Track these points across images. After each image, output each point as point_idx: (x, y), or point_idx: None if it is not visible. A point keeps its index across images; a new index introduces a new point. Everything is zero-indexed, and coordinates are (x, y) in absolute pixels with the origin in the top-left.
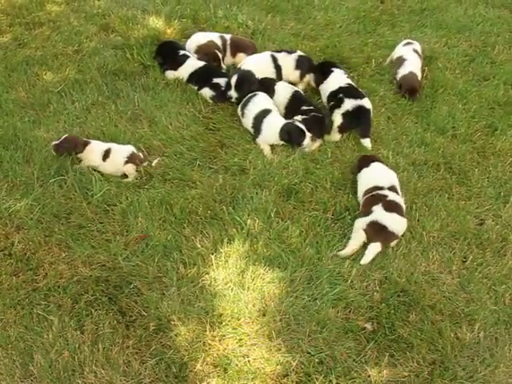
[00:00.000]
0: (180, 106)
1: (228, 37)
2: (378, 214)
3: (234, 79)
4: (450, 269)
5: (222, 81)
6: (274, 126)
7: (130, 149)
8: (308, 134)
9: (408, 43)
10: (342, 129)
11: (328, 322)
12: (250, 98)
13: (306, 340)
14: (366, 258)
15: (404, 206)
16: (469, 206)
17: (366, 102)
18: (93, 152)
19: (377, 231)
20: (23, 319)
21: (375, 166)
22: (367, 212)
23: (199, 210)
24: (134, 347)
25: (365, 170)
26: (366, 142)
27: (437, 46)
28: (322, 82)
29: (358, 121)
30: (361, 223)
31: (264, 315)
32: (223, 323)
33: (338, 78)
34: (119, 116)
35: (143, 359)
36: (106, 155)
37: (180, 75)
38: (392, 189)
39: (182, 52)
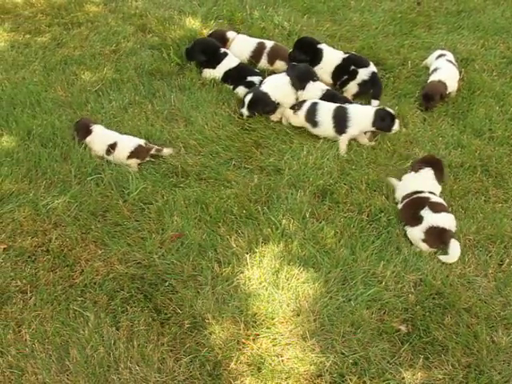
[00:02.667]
0: (216, 106)
1: (269, 44)
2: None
3: (248, 97)
4: (486, 272)
5: (256, 79)
6: (365, 114)
7: (136, 142)
8: (397, 120)
9: (441, 55)
10: (356, 96)
11: (362, 323)
12: (313, 107)
13: (339, 341)
14: None
15: None
16: (505, 208)
17: (373, 67)
18: (95, 144)
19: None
20: (60, 315)
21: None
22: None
23: (234, 210)
24: (168, 344)
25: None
26: (375, 103)
27: (474, 48)
28: (318, 63)
29: (372, 86)
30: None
31: (298, 315)
32: (257, 322)
33: (332, 53)
34: (155, 115)
35: (178, 356)
36: (112, 148)
37: (216, 74)
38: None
39: (222, 50)
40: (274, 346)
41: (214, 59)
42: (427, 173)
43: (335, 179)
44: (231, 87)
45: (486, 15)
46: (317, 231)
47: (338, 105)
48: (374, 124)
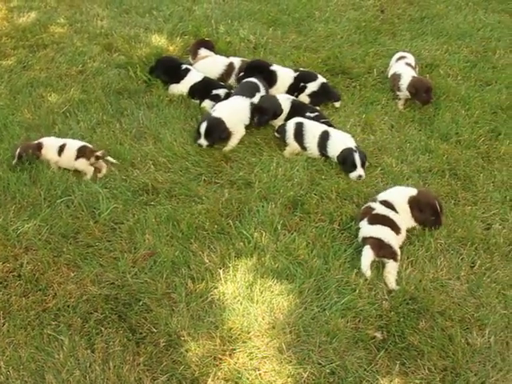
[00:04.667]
0: (184, 122)
1: (237, 63)
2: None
3: (203, 127)
4: (459, 275)
5: (221, 91)
6: (336, 148)
7: (81, 143)
8: (359, 169)
9: (401, 58)
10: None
11: (338, 332)
12: (300, 128)
13: (316, 351)
14: None
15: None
16: (475, 211)
17: (322, 79)
18: (49, 151)
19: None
20: (34, 340)
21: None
22: None
23: (206, 225)
24: (144, 364)
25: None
26: (337, 104)
27: (438, 53)
28: (272, 86)
29: (326, 94)
30: None
31: (274, 328)
32: (233, 337)
33: (285, 72)
34: (124, 134)
35: (154, 376)
36: (61, 150)
37: (182, 89)
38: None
39: (184, 66)
40: (250, 360)
41: (176, 76)
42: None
43: (306, 190)
44: (198, 102)
45: (449, 20)
46: (289, 243)
47: (321, 131)
48: (337, 160)
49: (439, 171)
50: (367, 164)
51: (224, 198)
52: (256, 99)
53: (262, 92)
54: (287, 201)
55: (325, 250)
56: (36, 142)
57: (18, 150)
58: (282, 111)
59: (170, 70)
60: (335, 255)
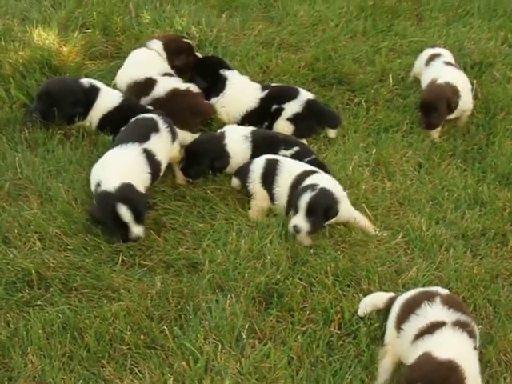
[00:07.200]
0: (88, 170)
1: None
2: None
3: None
4: None
5: None
6: None
7: None
8: (299, 217)
9: (434, 56)
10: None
11: None
12: (273, 168)
13: None
14: None
15: None
16: None
17: (307, 94)
18: None
19: None
20: None
21: None
22: None
23: (126, 336)
24: None
25: None
26: (332, 133)
27: (491, 45)
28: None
29: (316, 117)
30: None
31: None
32: None
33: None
34: None
35: None
36: None
37: (88, 121)
38: None
39: (87, 83)
40: None
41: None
42: None
43: (285, 273)
44: (111, 138)
45: None
46: (260, 360)
47: (295, 175)
48: None
49: (498, 235)
50: (381, 227)
51: (155, 289)
52: (151, 144)
53: (163, 132)
54: (256, 291)
55: (318, 369)
56: None
57: None
58: (224, 162)
59: (67, 102)
60: (335, 377)
